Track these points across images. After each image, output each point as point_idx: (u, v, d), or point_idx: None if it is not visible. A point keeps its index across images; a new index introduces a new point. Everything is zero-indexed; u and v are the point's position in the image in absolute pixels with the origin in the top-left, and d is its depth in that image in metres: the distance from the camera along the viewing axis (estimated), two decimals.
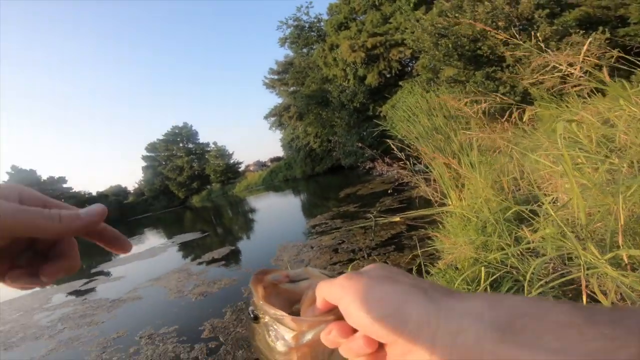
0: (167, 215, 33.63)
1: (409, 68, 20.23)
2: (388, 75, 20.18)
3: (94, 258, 15.42)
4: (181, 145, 45.79)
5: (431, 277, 2.81)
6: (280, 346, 0.37)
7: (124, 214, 41.73)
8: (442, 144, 4.94)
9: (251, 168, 54.61)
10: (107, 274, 10.51)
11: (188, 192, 43.59)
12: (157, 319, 5.17)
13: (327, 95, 22.08)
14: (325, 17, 25.29)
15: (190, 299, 5.88)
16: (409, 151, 4.51)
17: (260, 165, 58.92)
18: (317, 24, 26.41)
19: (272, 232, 11.28)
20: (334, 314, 0.35)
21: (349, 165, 20.51)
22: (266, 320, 0.38)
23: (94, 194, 45.82)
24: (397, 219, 4.28)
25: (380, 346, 0.31)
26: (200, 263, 8.59)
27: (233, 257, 8.62)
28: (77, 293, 8.49)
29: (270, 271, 0.41)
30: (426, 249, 3.44)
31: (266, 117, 32.15)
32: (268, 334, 0.38)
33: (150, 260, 11.45)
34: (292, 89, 28.59)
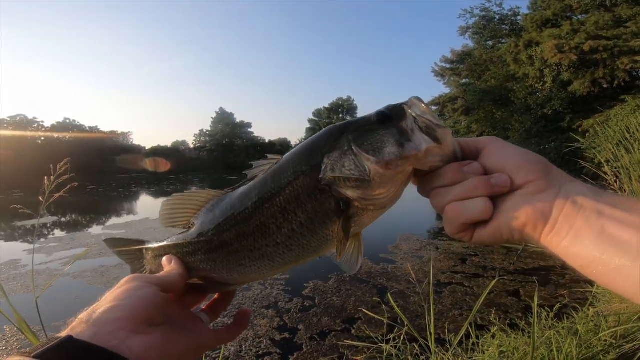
0: None
1: None
2: (606, 86, 16.46)
3: None
4: (340, 115, 50.27)
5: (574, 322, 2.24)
6: (407, 149, 0.42)
7: None
8: None
9: None
10: None
11: None
12: None
13: (509, 95, 19.31)
14: (524, 11, 22.68)
15: None
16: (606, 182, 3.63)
17: None
18: (512, 18, 23.67)
19: (397, 219, 10.95)
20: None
21: None
22: (405, 124, 0.43)
23: (267, 140, 55.90)
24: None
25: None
26: None
27: None
28: None
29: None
30: (576, 290, 3.21)
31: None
32: (397, 136, 0.43)
33: None
34: (464, 80, 26.93)
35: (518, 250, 5.67)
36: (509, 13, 23.61)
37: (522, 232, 0.39)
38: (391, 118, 0.44)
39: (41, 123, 35.53)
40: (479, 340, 1.94)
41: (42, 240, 8.02)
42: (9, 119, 33.08)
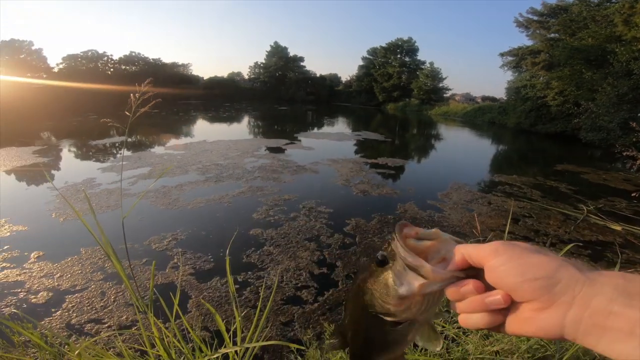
0: (361, 111, 37.16)
1: None
2: None
3: (299, 126, 19.14)
4: (399, 56, 46.64)
5: None
6: (402, 291, 0.42)
7: (332, 97, 52.69)
8: None
9: (457, 98, 51.03)
10: (302, 142, 12.84)
11: (387, 98, 47.11)
12: (322, 197, 5.99)
13: (608, 57, 16.60)
14: None
15: (353, 191, 6.55)
16: None
17: (469, 99, 54.90)
18: None
19: (450, 166, 10.57)
20: (464, 273, 0.40)
21: (587, 141, 16.34)
22: (397, 266, 0.42)
23: (317, 75, 54.73)
24: (619, 227, 3.16)
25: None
26: (373, 164, 9.25)
27: (402, 172, 8.81)
28: (278, 150, 10.81)
29: (408, 225, 0.44)
30: (629, 271, 2.93)
31: (503, 55, 28.17)
32: (394, 279, 0.42)
33: (336, 143, 13.16)
34: (552, 35, 23.52)
35: (577, 219, 5.35)
36: None
37: (540, 337, 0.36)
38: (386, 261, 0.44)
39: (110, 56, 37.55)
40: None
41: (112, 159, 8.53)
42: (82, 54, 35.35)
